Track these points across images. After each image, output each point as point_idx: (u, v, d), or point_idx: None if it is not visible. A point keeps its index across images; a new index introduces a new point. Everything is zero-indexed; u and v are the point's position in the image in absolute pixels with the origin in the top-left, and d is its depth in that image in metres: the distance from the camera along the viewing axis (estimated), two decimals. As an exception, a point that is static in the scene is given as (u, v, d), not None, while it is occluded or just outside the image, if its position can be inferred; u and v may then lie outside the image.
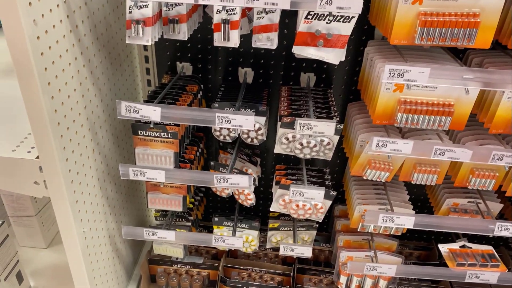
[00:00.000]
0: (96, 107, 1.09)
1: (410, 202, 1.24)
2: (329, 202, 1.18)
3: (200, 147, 1.35)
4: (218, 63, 1.33)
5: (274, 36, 0.97)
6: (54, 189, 0.94)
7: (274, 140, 1.14)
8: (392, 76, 0.91)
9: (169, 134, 1.09)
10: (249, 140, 1.19)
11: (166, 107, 1.00)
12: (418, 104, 0.98)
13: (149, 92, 1.19)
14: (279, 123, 1.12)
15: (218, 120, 1.00)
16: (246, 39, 1.16)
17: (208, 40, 1.29)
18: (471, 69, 0.89)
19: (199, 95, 1.28)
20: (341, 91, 1.34)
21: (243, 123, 1.01)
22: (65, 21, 0.89)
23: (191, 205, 1.45)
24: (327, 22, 0.93)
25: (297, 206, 1.17)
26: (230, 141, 1.20)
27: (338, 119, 1.11)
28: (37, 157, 0.90)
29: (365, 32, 1.22)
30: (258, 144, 1.20)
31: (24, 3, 0.75)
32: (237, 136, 1.18)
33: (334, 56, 0.98)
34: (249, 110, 1.15)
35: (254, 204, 1.26)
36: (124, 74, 1.28)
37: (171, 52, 1.31)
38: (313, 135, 1.09)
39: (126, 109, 1.01)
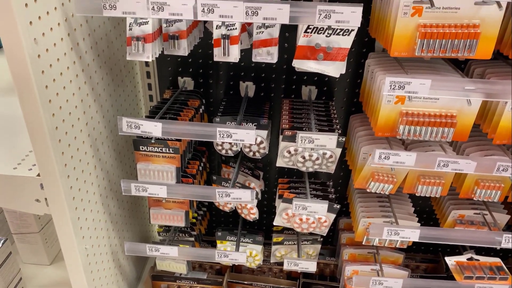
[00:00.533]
0: (97, 123, 1.10)
1: (415, 214, 1.22)
2: (333, 216, 1.16)
3: (203, 161, 1.34)
4: (220, 78, 1.33)
5: (274, 50, 0.97)
6: (56, 207, 0.94)
7: (277, 153, 1.14)
8: (393, 88, 0.90)
9: (171, 149, 1.09)
10: (251, 154, 1.19)
11: (167, 123, 1.00)
12: (420, 116, 0.97)
13: (151, 108, 1.19)
14: (280, 136, 1.12)
15: (219, 134, 1.00)
16: (246, 53, 1.17)
17: (209, 55, 1.29)
18: (473, 80, 0.89)
19: (200, 110, 1.28)
20: (343, 103, 1.34)
21: (244, 137, 1.00)
22: (66, 39, 0.90)
23: (194, 220, 1.44)
24: (326, 36, 0.93)
25: (301, 220, 1.16)
26: (232, 155, 1.19)
27: (340, 131, 1.11)
28: (38, 175, 0.90)
29: (366, 44, 1.22)
30: (260, 157, 1.20)
31: (25, 22, 0.75)
32: (239, 150, 1.17)
33: (335, 69, 0.98)
34: (250, 124, 1.15)
35: (257, 218, 1.25)
36: (126, 89, 1.29)
37: (172, 67, 1.32)
38: (315, 148, 1.08)
39: (127, 125, 1.01)
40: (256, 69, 1.31)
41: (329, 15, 0.83)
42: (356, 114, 1.31)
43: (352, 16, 0.83)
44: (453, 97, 0.91)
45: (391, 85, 0.90)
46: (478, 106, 0.95)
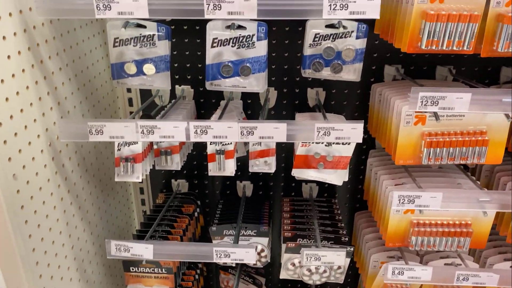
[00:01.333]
0: (85, 242, 1.01)
1: (435, 323, 1.11)
2: (345, 331, 1.05)
3: (199, 267, 1.25)
4: (215, 178, 1.27)
5: (272, 160, 0.92)
6: None
7: (279, 253, 1.05)
8: (402, 203, 0.84)
9: (163, 269, 1.00)
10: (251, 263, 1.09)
11: (158, 243, 0.92)
12: (432, 226, 0.90)
13: (144, 216, 1.12)
14: (283, 246, 1.04)
15: (216, 255, 0.92)
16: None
17: (203, 156, 1.24)
18: (487, 192, 0.83)
19: (195, 214, 1.20)
20: (346, 200, 1.27)
21: (244, 256, 0.92)
22: (50, 164, 0.84)
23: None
24: (326, 145, 0.89)
25: (310, 338, 1.05)
26: (232, 265, 1.11)
27: (346, 239, 1.03)
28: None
29: (365, 141, 1.17)
30: (262, 266, 1.10)
31: (3, 159, 0.70)
32: (239, 261, 1.09)
33: (337, 177, 0.93)
34: (250, 231, 1.07)
35: (262, 336, 1.13)
36: (117, 196, 1.22)
37: (165, 170, 1.26)
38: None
39: (116, 248, 0.93)
40: (253, 168, 1.25)
41: (328, 132, 0.79)
42: (361, 211, 1.24)
43: (353, 132, 0.78)
44: (467, 209, 0.84)
45: (399, 199, 0.84)
46: (493, 215, 0.88)
